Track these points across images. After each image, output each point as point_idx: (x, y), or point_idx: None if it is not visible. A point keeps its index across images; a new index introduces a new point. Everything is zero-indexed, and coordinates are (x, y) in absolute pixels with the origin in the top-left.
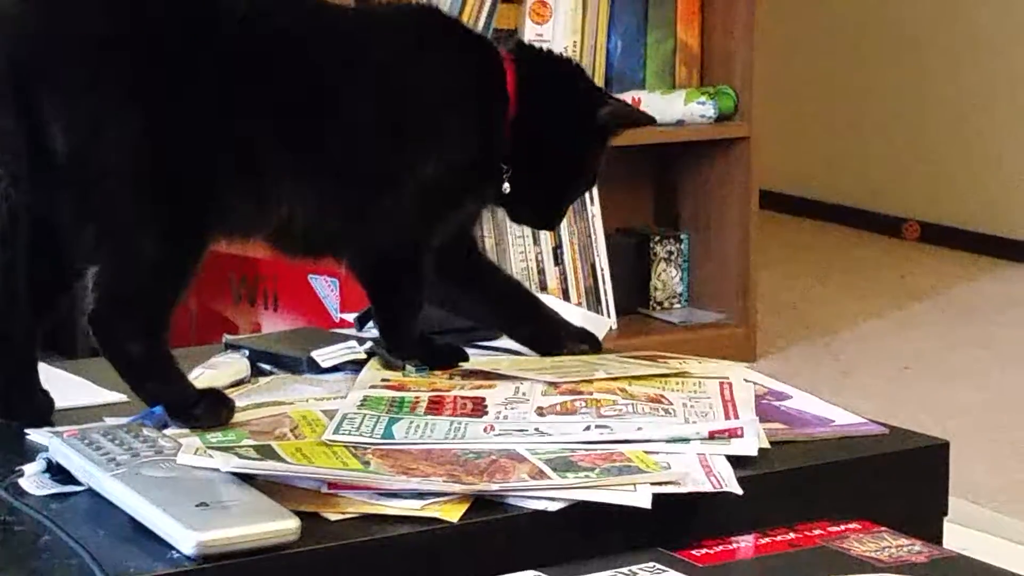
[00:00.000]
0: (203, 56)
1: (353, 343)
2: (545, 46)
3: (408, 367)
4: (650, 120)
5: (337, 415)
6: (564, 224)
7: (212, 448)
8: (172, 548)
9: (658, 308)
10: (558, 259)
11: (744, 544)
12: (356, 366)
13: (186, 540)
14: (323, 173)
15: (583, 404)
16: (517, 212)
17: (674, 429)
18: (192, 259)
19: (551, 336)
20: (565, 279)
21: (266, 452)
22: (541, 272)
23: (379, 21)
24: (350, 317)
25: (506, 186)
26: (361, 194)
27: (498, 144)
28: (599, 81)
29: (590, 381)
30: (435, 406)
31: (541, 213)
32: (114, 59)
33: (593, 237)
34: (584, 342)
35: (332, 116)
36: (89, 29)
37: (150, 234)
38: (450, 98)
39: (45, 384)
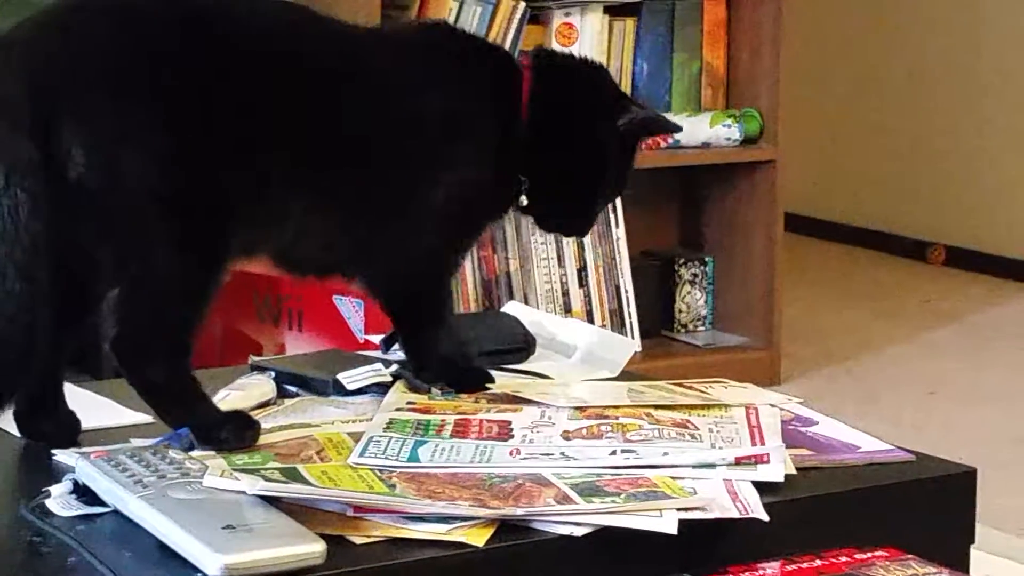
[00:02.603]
0: (221, 79)
1: (379, 365)
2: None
3: (434, 390)
4: (673, 127)
5: (363, 438)
6: (589, 246)
7: (238, 470)
8: (198, 570)
9: (682, 331)
10: (583, 281)
11: (771, 571)
12: (382, 388)
13: (212, 562)
14: (337, 194)
15: (609, 428)
16: (544, 221)
17: (700, 454)
18: (211, 282)
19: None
20: (590, 301)
21: (292, 475)
22: (566, 294)
23: (390, 41)
24: (375, 339)
25: (523, 199)
26: (375, 217)
27: (510, 157)
28: None
29: (616, 406)
30: (461, 429)
31: (568, 221)
32: (134, 83)
33: (618, 259)
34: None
35: (344, 138)
36: (108, 54)
37: (169, 258)
38: (455, 116)
39: (71, 405)
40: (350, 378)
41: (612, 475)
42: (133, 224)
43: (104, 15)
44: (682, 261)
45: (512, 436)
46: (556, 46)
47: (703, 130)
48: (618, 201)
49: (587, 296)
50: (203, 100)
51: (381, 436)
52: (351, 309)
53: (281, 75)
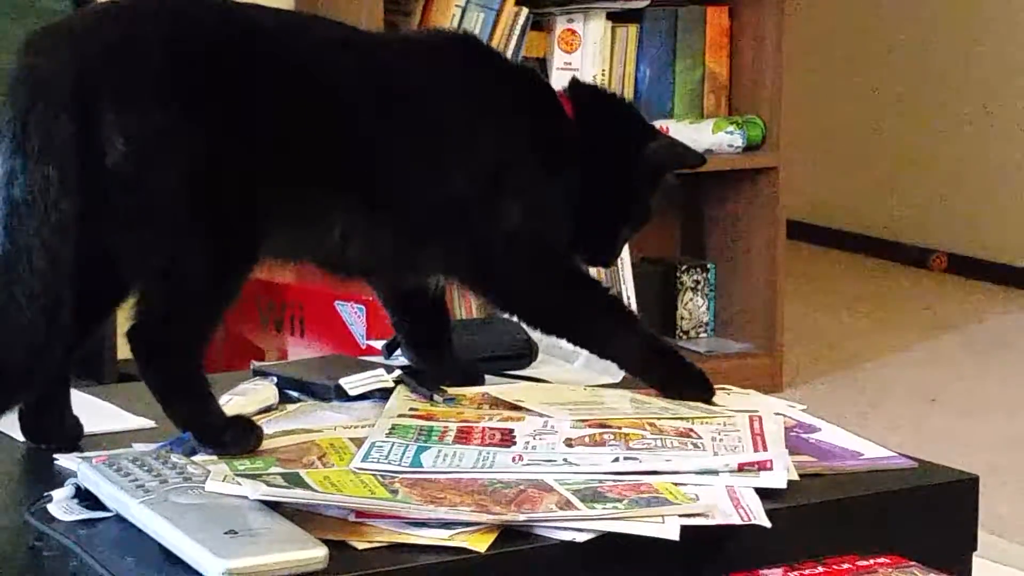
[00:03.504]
0: (269, 89)
1: (381, 371)
2: (578, 75)
3: (436, 397)
4: (700, 160)
5: (366, 443)
6: None
7: (240, 475)
8: None
9: (684, 337)
10: None
11: None
12: (384, 394)
13: (214, 568)
14: (380, 205)
15: (612, 437)
16: (573, 247)
17: (703, 461)
18: (237, 283)
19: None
20: None
21: (294, 480)
22: None
23: (438, 53)
24: (377, 344)
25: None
26: (427, 230)
27: (567, 173)
28: None
29: (619, 419)
30: (464, 436)
31: (596, 249)
32: (184, 82)
33: (620, 266)
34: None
35: (386, 150)
36: (163, 51)
37: (199, 255)
38: (522, 133)
39: (75, 409)
40: (352, 383)
41: (614, 481)
42: (164, 217)
43: (159, 16)
44: (684, 267)
45: (515, 443)
46: (558, 52)
47: (705, 137)
48: None
49: None
50: (249, 108)
51: (384, 441)
52: (353, 315)
53: (328, 89)
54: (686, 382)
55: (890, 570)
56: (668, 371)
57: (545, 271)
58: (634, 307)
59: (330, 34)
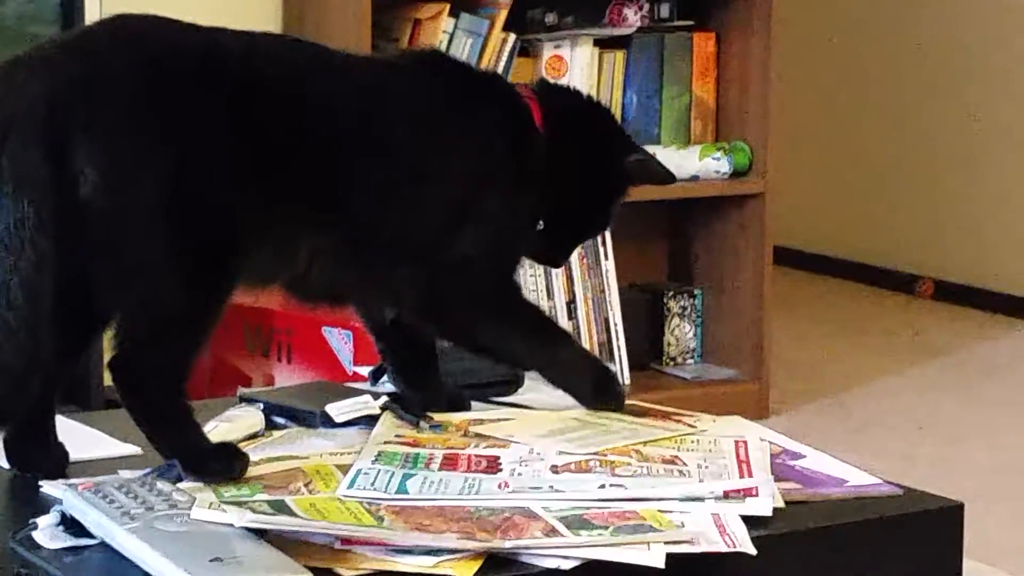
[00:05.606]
0: (238, 114)
1: (367, 398)
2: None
3: (422, 424)
4: (671, 178)
5: (352, 470)
6: (578, 279)
7: (226, 503)
8: None
9: (671, 364)
10: (571, 314)
11: None
12: (370, 421)
13: None
14: (354, 229)
15: (597, 463)
16: (528, 251)
17: (689, 488)
18: (215, 309)
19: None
20: (578, 334)
21: (280, 507)
22: None
23: (403, 74)
24: (363, 371)
25: (539, 224)
26: (401, 252)
27: (531, 188)
28: None
29: (606, 449)
30: (449, 463)
31: (552, 252)
32: (153, 111)
33: (607, 292)
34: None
35: (360, 174)
36: (131, 80)
37: (176, 283)
38: (483, 151)
39: (60, 436)
40: (338, 410)
41: (600, 508)
42: (140, 248)
43: (129, 44)
44: (671, 294)
45: (501, 470)
46: (546, 79)
47: (692, 163)
48: (607, 234)
49: (576, 328)
50: (220, 133)
51: (370, 468)
52: (340, 341)
53: (297, 111)
54: (606, 394)
55: None
56: (594, 384)
57: (493, 298)
58: (621, 334)
59: (301, 57)
